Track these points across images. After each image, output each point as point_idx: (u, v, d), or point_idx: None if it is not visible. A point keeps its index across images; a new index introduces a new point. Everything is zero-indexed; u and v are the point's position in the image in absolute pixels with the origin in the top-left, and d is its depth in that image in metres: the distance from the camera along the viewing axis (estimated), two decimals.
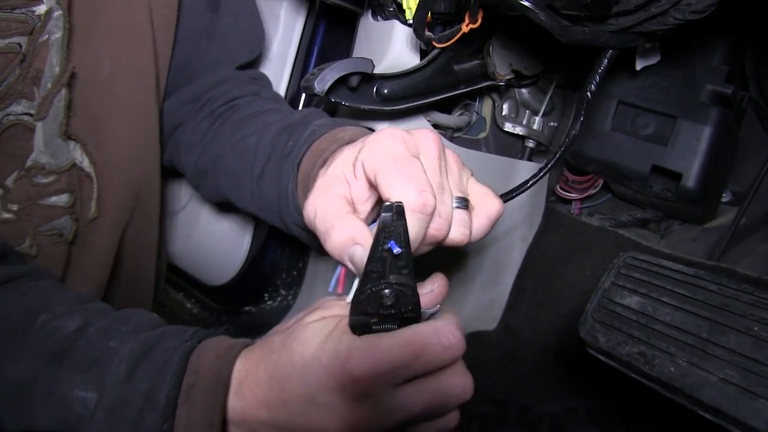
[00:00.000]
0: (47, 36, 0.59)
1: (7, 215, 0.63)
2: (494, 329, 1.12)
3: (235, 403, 0.45)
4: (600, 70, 0.72)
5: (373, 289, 0.44)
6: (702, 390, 0.56)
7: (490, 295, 1.11)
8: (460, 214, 0.52)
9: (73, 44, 0.62)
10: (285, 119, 0.72)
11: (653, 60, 0.84)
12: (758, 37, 0.92)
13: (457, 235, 0.52)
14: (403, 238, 0.43)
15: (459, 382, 0.46)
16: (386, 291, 0.44)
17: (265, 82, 0.88)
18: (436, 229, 0.49)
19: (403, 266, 0.44)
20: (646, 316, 0.64)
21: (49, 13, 0.59)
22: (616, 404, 0.88)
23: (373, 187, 0.51)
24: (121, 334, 0.47)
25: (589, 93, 0.73)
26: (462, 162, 0.55)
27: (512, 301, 1.12)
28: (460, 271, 1.06)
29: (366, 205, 0.52)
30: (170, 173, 0.89)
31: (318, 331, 0.46)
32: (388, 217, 0.43)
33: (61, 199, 0.65)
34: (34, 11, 0.59)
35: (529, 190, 1.08)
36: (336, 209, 0.51)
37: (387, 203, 0.44)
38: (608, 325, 0.66)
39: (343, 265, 0.50)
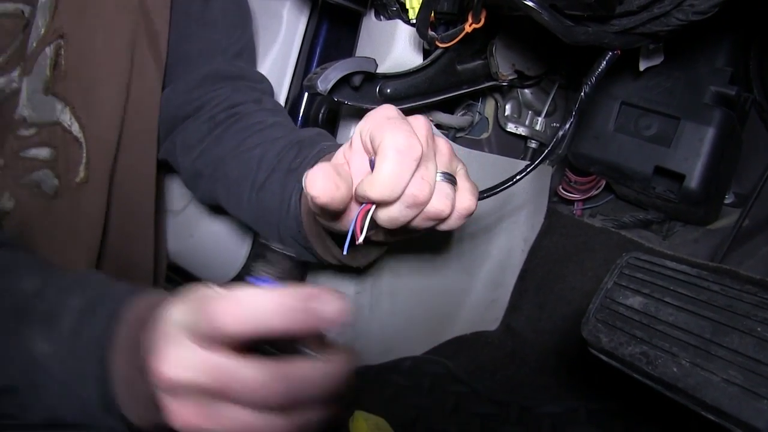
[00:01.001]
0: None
1: None
2: (495, 330, 1.12)
3: None
4: (597, 72, 0.71)
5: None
6: (705, 391, 0.56)
7: (491, 296, 1.11)
8: (444, 186, 0.52)
9: (66, 12, 0.66)
10: (292, 136, 0.72)
11: (657, 61, 0.84)
12: (762, 38, 0.92)
13: (439, 204, 0.51)
14: None
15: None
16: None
17: (266, 86, 0.88)
18: (418, 189, 0.49)
19: None
20: (649, 316, 0.64)
21: None
22: (617, 405, 0.88)
23: (369, 153, 0.52)
24: (74, 292, 0.48)
25: (583, 94, 0.72)
26: (454, 153, 0.55)
27: (514, 302, 1.12)
28: (462, 271, 1.06)
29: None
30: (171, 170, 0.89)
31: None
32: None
33: (41, 152, 0.67)
34: None
35: (530, 191, 1.09)
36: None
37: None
38: (611, 325, 0.66)
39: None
